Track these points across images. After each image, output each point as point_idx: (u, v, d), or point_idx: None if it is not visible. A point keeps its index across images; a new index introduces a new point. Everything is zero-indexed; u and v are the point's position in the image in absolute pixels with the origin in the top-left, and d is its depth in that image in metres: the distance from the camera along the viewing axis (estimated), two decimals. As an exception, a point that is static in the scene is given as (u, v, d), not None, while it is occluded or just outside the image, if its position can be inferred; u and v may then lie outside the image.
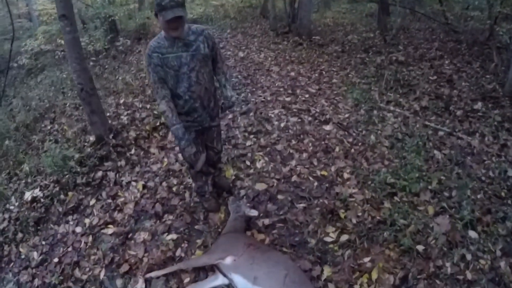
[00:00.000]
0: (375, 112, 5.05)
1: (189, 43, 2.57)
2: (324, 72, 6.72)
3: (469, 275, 2.62)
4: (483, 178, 3.63)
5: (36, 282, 2.97)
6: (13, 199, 3.90)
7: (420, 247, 2.82)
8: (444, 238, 2.91)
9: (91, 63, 8.38)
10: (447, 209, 3.20)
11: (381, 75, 6.09)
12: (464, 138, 4.30)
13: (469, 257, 2.75)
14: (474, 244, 2.86)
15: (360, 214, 3.21)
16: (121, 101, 5.86)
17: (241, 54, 8.28)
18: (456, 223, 3.05)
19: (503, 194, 3.42)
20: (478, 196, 3.36)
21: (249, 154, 4.22)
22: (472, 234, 2.95)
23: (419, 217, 3.11)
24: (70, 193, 3.83)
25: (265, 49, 8.60)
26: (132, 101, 5.83)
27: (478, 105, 4.92)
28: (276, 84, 6.29)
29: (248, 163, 4.08)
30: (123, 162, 4.23)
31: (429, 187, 3.45)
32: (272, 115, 5.09)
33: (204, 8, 14.19)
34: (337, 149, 4.22)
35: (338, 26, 10.00)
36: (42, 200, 3.76)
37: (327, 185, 3.65)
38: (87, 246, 3.22)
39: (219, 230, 3.17)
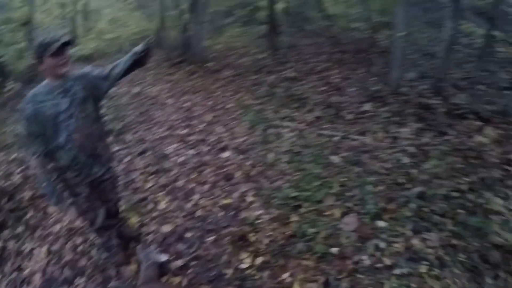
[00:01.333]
0: (271, 130, 5.58)
1: (68, 88, 2.65)
2: (218, 99, 7.26)
3: (387, 261, 3.07)
4: (381, 171, 4.23)
5: None
6: None
7: (334, 250, 3.23)
8: (355, 235, 3.37)
9: None
10: (352, 207, 3.70)
11: (274, 94, 6.82)
12: (357, 138, 4.97)
13: (382, 245, 3.22)
14: (384, 232, 3.36)
15: (270, 233, 3.53)
16: (13, 157, 5.78)
17: (135, 89, 8.65)
18: (363, 218, 3.54)
19: (401, 180, 4.04)
20: (380, 189, 3.93)
21: (151, 196, 4.42)
22: (381, 223, 3.47)
23: (327, 222, 3.54)
24: None
25: (160, 81, 9.10)
26: (24, 156, 5.63)
27: (367, 106, 5.77)
28: (172, 118, 6.67)
29: (150, 206, 4.27)
30: (22, 228, 4.21)
31: (332, 191, 3.95)
32: (170, 151, 5.41)
33: (97, 43, 14.37)
34: (237, 174, 4.60)
35: (231, 50, 10.88)
36: None
37: (232, 212, 3.96)
38: None
39: (134, 282, 3.27)
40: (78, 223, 4.15)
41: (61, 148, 2.71)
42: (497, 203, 3.77)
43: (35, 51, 2.52)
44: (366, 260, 3.16)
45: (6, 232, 4.21)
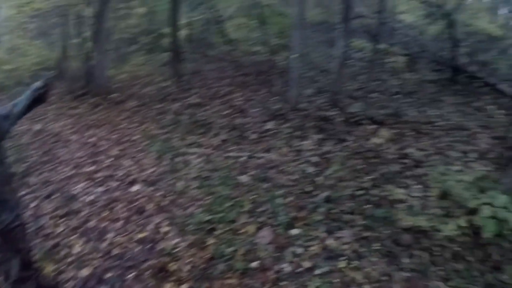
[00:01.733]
0: (178, 158, 5.66)
1: None
2: (124, 131, 7.19)
3: (306, 264, 3.32)
4: (288, 183, 4.52)
5: None
6: None
7: (254, 264, 3.40)
8: (271, 247, 3.58)
9: None
10: (265, 221, 3.92)
11: (179, 121, 6.92)
12: (263, 156, 5.24)
13: (300, 250, 3.47)
14: (299, 238, 3.61)
15: (189, 260, 3.59)
16: None
17: (37, 126, 8.19)
18: (277, 229, 3.77)
19: (309, 189, 4.36)
20: (289, 199, 4.20)
21: (64, 241, 4.24)
22: (294, 231, 3.73)
23: (243, 240, 3.69)
24: None
25: (63, 116, 8.73)
26: None
27: (270, 124, 6.11)
28: (77, 155, 6.46)
29: (65, 251, 4.09)
30: None
31: (244, 209, 4.13)
32: (78, 191, 5.24)
33: None
34: (149, 206, 4.61)
35: (136, 80, 10.78)
36: None
37: (149, 245, 3.95)
38: None
39: None
40: None
41: None
42: (399, 193, 4.31)
43: None
44: (287, 268, 3.36)
45: None
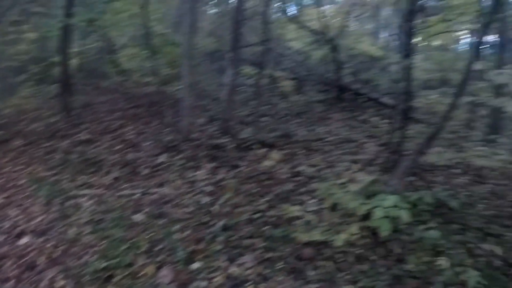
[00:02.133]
0: (69, 202, 5.38)
1: None
2: (10, 174, 6.70)
3: None
4: (184, 216, 4.58)
5: None
6: None
7: None
8: (173, 285, 3.59)
9: None
10: (165, 260, 3.90)
11: (69, 160, 6.60)
12: (157, 191, 5.23)
13: (203, 284, 3.55)
14: (201, 271, 3.66)
15: None
16: None
17: None
18: (177, 266, 3.77)
19: (205, 219, 4.46)
20: (186, 233, 4.24)
21: None
22: (195, 265, 3.77)
23: (143, 282, 3.64)
24: None
25: None
26: None
27: (162, 157, 6.11)
28: None
29: None
30: None
31: (141, 250, 4.06)
32: None
33: None
34: (41, 260, 4.32)
35: (23, 115, 10.09)
36: None
37: None
38: None
39: None
40: None
41: None
42: (295, 210, 4.59)
43: None
44: None
45: None
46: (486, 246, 4.12)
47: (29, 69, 11.44)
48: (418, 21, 6.35)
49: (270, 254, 3.87)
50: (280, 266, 3.71)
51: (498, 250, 4.01)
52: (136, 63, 11.03)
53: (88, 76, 11.42)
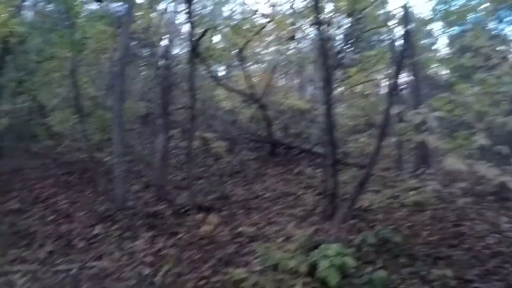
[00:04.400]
0: (1, 279, 5.11)
1: None
2: None
3: None
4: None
5: None
6: None
7: None
8: None
9: None
10: None
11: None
12: (95, 265, 5.13)
13: None
14: None
15: None
16: None
17: None
18: None
19: None
20: None
21: None
22: None
23: None
24: None
25: None
26: None
27: (98, 228, 6.03)
28: None
29: None
30: None
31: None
32: None
33: None
34: None
35: None
36: None
37: None
38: None
39: None
40: None
41: None
42: (240, 273, 4.54)
43: None
44: None
45: None
46: (437, 271, 4.35)
47: None
48: (338, 73, 6.89)
49: None
50: None
51: (449, 272, 4.26)
52: (67, 127, 10.82)
53: (17, 138, 11.00)
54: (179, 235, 5.75)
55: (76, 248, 5.73)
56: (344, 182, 6.53)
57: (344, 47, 9.24)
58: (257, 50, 13.12)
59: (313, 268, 4.32)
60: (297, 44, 12.88)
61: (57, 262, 5.46)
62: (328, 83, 6.60)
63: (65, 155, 9.88)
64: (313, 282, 4.24)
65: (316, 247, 4.62)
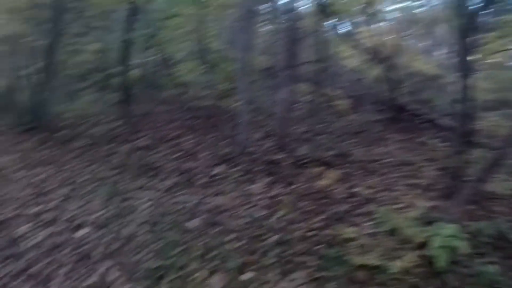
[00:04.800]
0: (128, 202, 5.64)
1: None
2: (73, 171, 7.10)
3: None
4: (238, 228, 4.59)
5: None
6: None
7: None
8: None
9: None
10: (217, 267, 3.96)
11: (129, 164, 6.91)
12: (212, 201, 5.30)
13: None
14: (252, 282, 3.70)
15: None
16: None
17: None
18: (229, 274, 3.82)
19: (259, 232, 4.44)
20: (240, 244, 4.27)
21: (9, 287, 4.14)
22: (247, 276, 3.80)
23: (194, 286, 3.74)
24: None
25: (8, 150, 8.54)
26: None
27: (219, 168, 6.19)
28: (22, 194, 6.32)
29: None
30: None
31: (194, 255, 4.17)
32: (21, 233, 5.14)
33: None
34: (97, 251, 4.57)
35: (85, 118, 10.62)
36: None
37: None
38: None
39: None
40: None
41: None
42: (350, 232, 4.45)
43: None
44: None
45: None
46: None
47: (90, 78, 12.02)
48: (475, 38, 6.11)
49: (322, 274, 3.80)
50: (332, 287, 3.61)
51: None
52: (193, 77, 11.33)
53: (147, 87, 11.87)
54: (296, 185, 5.68)
55: (196, 184, 5.98)
56: (470, 161, 5.84)
57: (481, 8, 8.07)
58: (384, 6, 12.15)
59: (424, 243, 4.07)
60: (428, 1, 11.72)
61: (178, 194, 5.77)
62: (464, 48, 5.84)
63: (190, 102, 10.31)
64: (420, 257, 4.00)
65: (431, 223, 4.33)
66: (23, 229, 5.25)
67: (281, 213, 4.93)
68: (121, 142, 8.29)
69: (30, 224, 5.34)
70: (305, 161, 6.41)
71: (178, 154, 7.14)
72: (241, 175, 5.91)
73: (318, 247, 4.21)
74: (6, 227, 5.35)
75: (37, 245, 4.87)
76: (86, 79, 12.11)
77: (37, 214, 5.61)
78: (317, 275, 3.79)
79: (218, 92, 9.45)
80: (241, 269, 3.93)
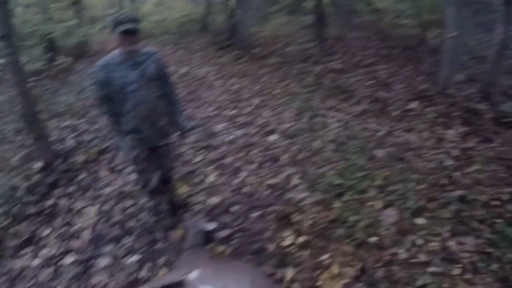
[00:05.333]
0: (317, 119, 5.75)
1: (139, 62, 2.97)
2: (266, 84, 7.47)
3: (422, 257, 3.20)
4: (424, 170, 4.32)
5: (4, 326, 3.11)
6: (-36, 240, 3.99)
7: (373, 239, 3.39)
8: (394, 228, 3.52)
9: (31, 84, 8.51)
10: (394, 202, 3.84)
11: (321, 84, 6.96)
12: (402, 135, 5.08)
13: (420, 241, 3.35)
14: (423, 229, 3.48)
15: (313, 215, 3.75)
16: (66, 124, 6.24)
17: (183, 70, 9.03)
18: (403, 213, 3.68)
19: (443, 182, 4.12)
20: (421, 187, 4.03)
21: (200, 170, 4.74)
22: (420, 221, 3.59)
23: (368, 213, 3.70)
24: (22, 225, 4.11)
25: (207, 63, 9.42)
26: (76, 123, 6.23)
27: (414, 104, 5.82)
28: (220, 99, 6.98)
29: (199, 178, 4.59)
30: (74, 187, 4.59)
31: (375, 183, 4.11)
32: (218, 130, 5.72)
33: (144, 24, 14.78)
34: (284, 157, 4.83)
35: (277, 38, 10.93)
36: (-6, 234, 3.91)
37: (278, 192, 4.20)
38: (49, 279, 3.49)
39: (180, 247, 3.49)
40: (129, 187, 4.54)
41: (126, 115, 3.06)
42: None
43: (110, 25, 2.83)
44: (403, 254, 3.29)
45: (58, 191, 4.59)
46: None
47: (282, 1, 12.23)
48: None
49: (491, 250, 3.35)
50: (494, 268, 3.16)
51: None
52: (390, 3, 10.58)
53: (340, 12, 11.48)
54: (494, 144, 5.01)
55: (388, 115, 5.76)
56: None
57: None
58: None
59: None
60: None
61: (368, 120, 5.65)
62: None
63: (386, 30, 9.75)
64: None
65: None
66: (220, 127, 5.83)
67: (471, 169, 4.44)
68: (313, 63, 8.35)
69: (227, 124, 5.90)
70: (508, 119, 5.59)
71: (372, 81, 6.91)
72: (436, 117, 5.48)
73: (497, 220, 3.67)
74: (207, 123, 6.00)
75: (232, 141, 5.39)
76: (277, 2, 12.29)
77: (233, 117, 6.15)
78: (487, 249, 3.35)
79: (419, 23, 8.64)
80: (416, 213, 3.74)
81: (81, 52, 11.42)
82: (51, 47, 10.49)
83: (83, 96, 7.60)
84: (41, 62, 9.62)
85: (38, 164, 4.94)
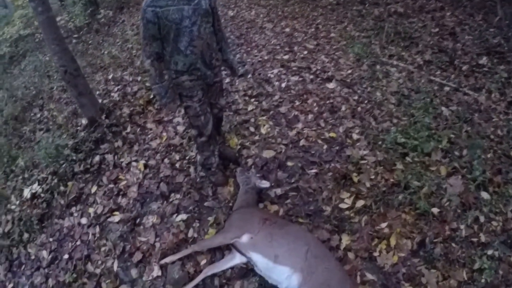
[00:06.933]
0: (378, 67, 5.20)
1: None
2: (320, 27, 6.84)
3: (482, 238, 2.88)
4: (491, 136, 3.82)
5: (50, 282, 3.13)
6: (13, 198, 3.97)
7: (435, 210, 3.07)
8: (458, 200, 3.15)
9: (74, 41, 8.50)
10: (459, 169, 3.43)
11: (381, 28, 6.22)
12: (470, 94, 4.48)
13: (482, 219, 3.01)
14: (486, 205, 3.09)
15: (373, 177, 3.42)
16: (110, 77, 5.90)
17: (231, 12, 8.42)
18: (468, 184, 3.27)
19: None
20: (488, 156, 3.57)
21: (252, 120, 4.36)
22: (485, 195, 3.18)
23: (432, 178, 3.32)
24: (69, 183, 3.93)
25: (256, 5, 8.71)
26: (121, 75, 5.87)
27: (483, 60, 5.09)
28: (272, 42, 6.44)
29: (252, 129, 4.22)
30: (120, 143, 4.33)
31: (440, 146, 3.66)
32: (272, 76, 5.27)
33: None
34: (343, 108, 4.40)
35: None
36: (42, 195, 3.87)
37: (337, 147, 3.84)
38: (96, 238, 3.37)
39: (230, 205, 3.30)
40: (177, 139, 4.22)
41: (181, 52, 2.77)
42: None
43: None
44: (463, 230, 2.95)
45: (104, 146, 4.34)
46: None
47: None
48: None
49: None
50: None
51: None
52: None
53: None
54: None
55: (455, 69, 5.12)
56: None
57: None
58: None
59: None
60: None
61: (434, 73, 5.06)
62: None
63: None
64: None
65: None
66: (274, 72, 5.35)
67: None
68: (372, 4, 7.55)
69: (280, 69, 5.41)
70: None
71: (437, 29, 6.16)
72: (507, 77, 4.76)
73: None
74: (260, 68, 5.53)
75: (286, 88, 4.96)
76: None
77: (287, 62, 5.65)
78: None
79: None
80: (482, 185, 3.27)
81: (123, 3, 10.88)
82: (92, 2, 10.10)
83: (127, 47, 7.17)
84: (82, 17, 9.44)
85: (83, 121, 4.74)
